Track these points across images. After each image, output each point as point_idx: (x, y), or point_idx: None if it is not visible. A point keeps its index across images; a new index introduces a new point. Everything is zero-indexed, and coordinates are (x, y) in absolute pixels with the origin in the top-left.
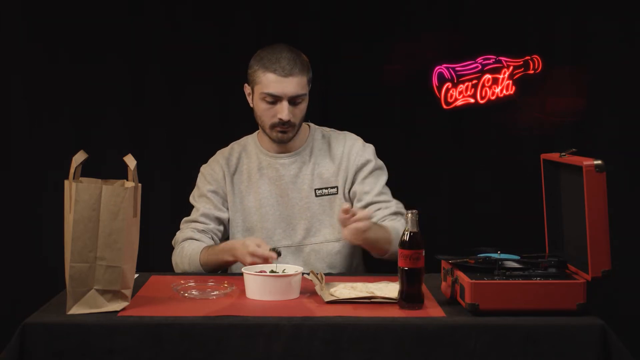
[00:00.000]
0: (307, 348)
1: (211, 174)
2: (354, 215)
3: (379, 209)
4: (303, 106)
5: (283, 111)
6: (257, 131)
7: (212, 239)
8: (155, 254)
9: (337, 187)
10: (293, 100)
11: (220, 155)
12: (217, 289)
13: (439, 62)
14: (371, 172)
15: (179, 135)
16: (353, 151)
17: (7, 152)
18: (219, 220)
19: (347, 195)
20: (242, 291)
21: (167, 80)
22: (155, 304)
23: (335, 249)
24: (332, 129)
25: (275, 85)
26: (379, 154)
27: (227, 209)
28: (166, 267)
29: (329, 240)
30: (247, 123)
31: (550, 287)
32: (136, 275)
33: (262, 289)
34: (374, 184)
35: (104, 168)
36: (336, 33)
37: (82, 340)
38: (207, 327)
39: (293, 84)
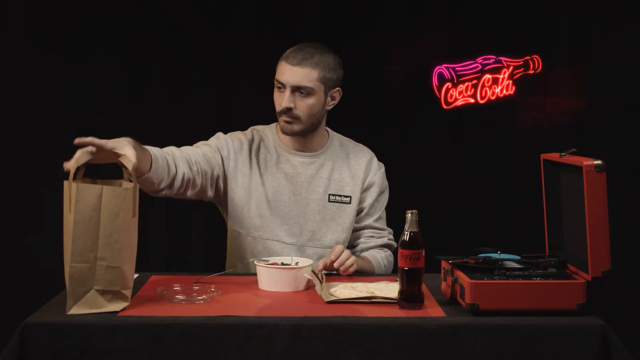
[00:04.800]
0: (307, 348)
1: (231, 143)
2: (341, 263)
3: (372, 236)
4: (311, 101)
5: (283, 98)
6: (275, 123)
7: (192, 166)
8: (155, 254)
9: (350, 197)
10: (298, 91)
11: (244, 136)
12: (204, 294)
13: (439, 62)
14: (379, 195)
15: (178, 135)
16: (371, 167)
17: (6, 153)
18: (208, 165)
19: (356, 207)
20: (237, 292)
21: (167, 80)
22: (155, 304)
23: None
24: (348, 138)
25: (283, 72)
26: (379, 153)
27: (217, 175)
28: (166, 267)
29: (330, 247)
30: (246, 122)
31: (550, 287)
32: (136, 275)
33: (269, 279)
34: (377, 208)
35: (103, 167)
36: (336, 33)
37: (82, 340)
38: (207, 327)
39: (298, 74)
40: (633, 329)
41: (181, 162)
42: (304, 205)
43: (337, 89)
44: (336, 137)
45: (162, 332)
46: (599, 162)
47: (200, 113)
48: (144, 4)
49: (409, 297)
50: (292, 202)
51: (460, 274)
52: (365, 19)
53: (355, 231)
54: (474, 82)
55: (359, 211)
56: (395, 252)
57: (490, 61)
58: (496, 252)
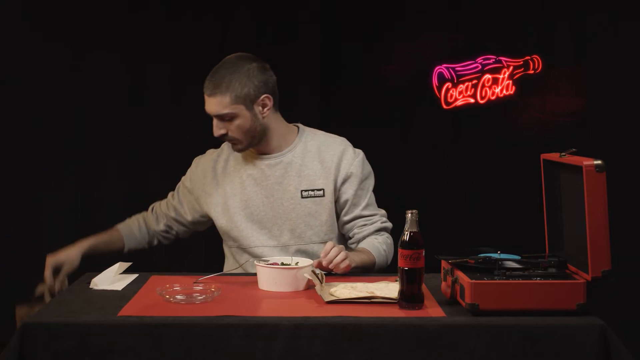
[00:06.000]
0: (307, 348)
1: (195, 171)
2: (330, 261)
3: (364, 225)
4: (237, 122)
5: (213, 128)
6: None
7: (164, 224)
8: (155, 254)
9: (323, 189)
10: (221, 118)
11: (209, 156)
12: (204, 294)
13: (439, 62)
14: (360, 183)
15: (178, 136)
16: (344, 159)
17: (7, 153)
18: (179, 215)
19: (334, 200)
20: (237, 292)
21: (167, 82)
22: (155, 304)
23: (321, 249)
24: (323, 132)
25: (205, 103)
26: (379, 153)
27: (196, 210)
28: (166, 267)
29: (314, 242)
30: None
31: (550, 287)
32: (136, 275)
33: (269, 279)
34: (362, 197)
35: (104, 165)
36: (336, 33)
37: (82, 340)
38: (207, 327)
39: (213, 104)
40: (633, 329)
41: (152, 224)
42: (278, 206)
43: (264, 95)
44: (307, 132)
45: (162, 332)
46: (599, 162)
47: (200, 114)
48: (142, 6)
49: (409, 297)
50: (265, 205)
51: (460, 274)
52: (365, 19)
53: (347, 223)
54: (474, 82)
55: (344, 204)
56: (392, 233)
57: (490, 61)
58: (496, 252)
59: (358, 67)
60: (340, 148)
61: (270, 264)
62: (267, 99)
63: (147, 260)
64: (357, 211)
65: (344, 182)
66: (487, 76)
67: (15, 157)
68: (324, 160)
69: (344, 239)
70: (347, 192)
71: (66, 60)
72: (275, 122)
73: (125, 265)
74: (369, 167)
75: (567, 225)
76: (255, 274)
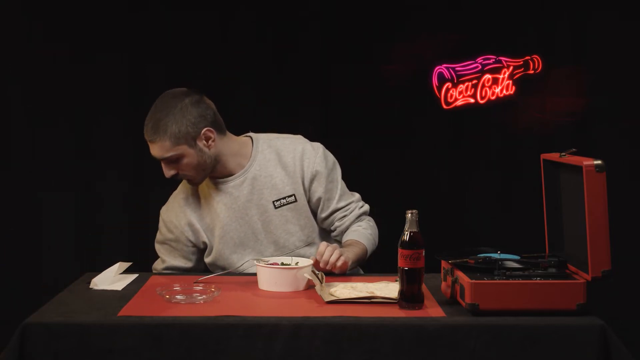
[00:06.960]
0: (307, 348)
1: (171, 220)
2: (326, 262)
3: (344, 216)
4: (185, 161)
5: (163, 170)
6: None
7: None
8: (155, 254)
9: (293, 195)
10: (167, 161)
11: (175, 200)
12: (204, 294)
13: (439, 62)
14: (328, 178)
15: None
16: (305, 158)
17: (7, 153)
18: (182, 269)
19: (306, 201)
20: (237, 292)
21: (168, 80)
22: (155, 304)
23: (307, 252)
24: (277, 135)
25: (149, 148)
26: (379, 154)
27: (191, 252)
28: None
29: (299, 247)
30: (246, 125)
31: (550, 287)
32: (136, 275)
33: (269, 279)
34: (333, 190)
35: (104, 165)
36: (336, 33)
37: (82, 340)
38: (207, 327)
39: (156, 149)
40: (633, 329)
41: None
42: (255, 223)
43: (204, 129)
44: (262, 141)
45: (162, 332)
46: (599, 162)
47: None
48: (142, 6)
49: (409, 297)
50: (242, 226)
51: (460, 274)
52: (365, 19)
53: (326, 219)
54: (474, 82)
55: (317, 202)
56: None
57: (490, 61)
58: (496, 252)
59: (358, 68)
60: (298, 148)
61: (270, 264)
62: (208, 132)
63: (147, 260)
64: (332, 206)
65: (311, 181)
66: (487, 76)
67: (15, 157)
68: (286, 165)
69: (326, 232)
70: (318, 191)
71: (66, 60)
72: (226, 146)
73: (125, 265)
74: (331, 158)
75: (567, 225)
76: (255, 274)
